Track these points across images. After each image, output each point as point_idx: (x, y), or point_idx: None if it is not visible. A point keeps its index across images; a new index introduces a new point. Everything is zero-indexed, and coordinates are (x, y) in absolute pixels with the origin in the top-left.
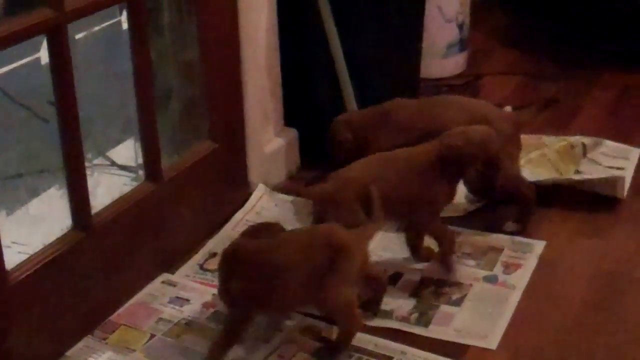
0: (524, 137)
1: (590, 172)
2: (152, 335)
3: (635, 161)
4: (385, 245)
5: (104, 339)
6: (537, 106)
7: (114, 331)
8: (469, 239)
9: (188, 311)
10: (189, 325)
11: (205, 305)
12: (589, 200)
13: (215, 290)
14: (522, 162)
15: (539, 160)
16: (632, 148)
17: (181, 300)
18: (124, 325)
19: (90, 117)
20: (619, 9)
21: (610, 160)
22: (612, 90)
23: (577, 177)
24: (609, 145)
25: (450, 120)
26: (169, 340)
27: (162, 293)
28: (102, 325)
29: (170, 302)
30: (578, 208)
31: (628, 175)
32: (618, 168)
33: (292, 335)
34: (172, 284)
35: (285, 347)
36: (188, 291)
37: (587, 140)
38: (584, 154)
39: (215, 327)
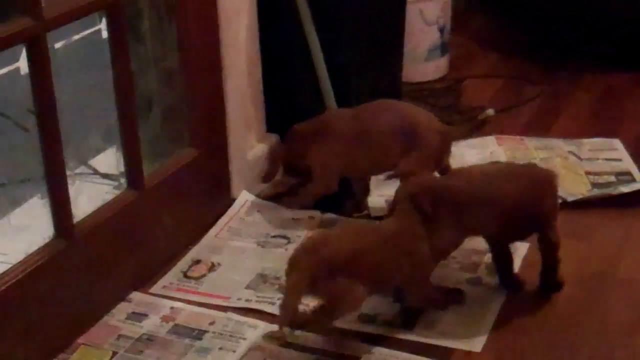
0: (505, 138)
1: (597, 169)
2: (115, 353)
3: (624, 149)
4: None
5: None
6: (472, 124)
7: (73, 352)
8: None
9: (148, 326)
10: (150, 339)
11: (164, 319)
12: (572, 201)
13: (198, 297)
14: None
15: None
16: (612, 139)
17: (138, 316)
18: (84, 344)
19: (71, 126)
20: (600, 11)
21: (603, 154)
22: (593, 91)
23: (606, 190)
24: (590, 142)
25: (383, 124)
26: (132, 356)
27: (118, 309)
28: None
29: (127, 318)
30: (560, 209)
31: (630, 163)
32: (616, 160)
33: (257, 342)
34: (127, 300)
35: (251, 355)
36: (143, 306)
37: (570, 147)
38: (580, 159)
39: (176, 340)
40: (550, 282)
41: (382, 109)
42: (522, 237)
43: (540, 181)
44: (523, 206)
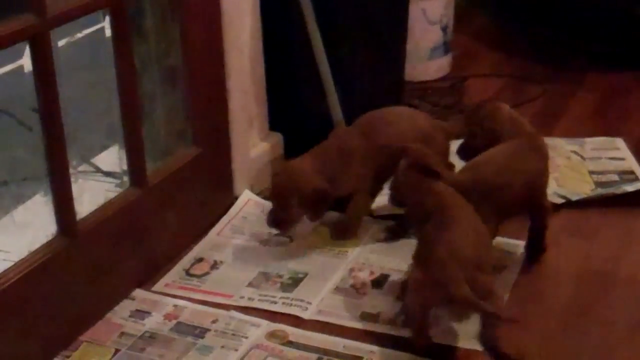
0: None
1: (600, 168)
2: (117, 350)
3: (627, 149)
4: (372, 249)
5: (67, 357)
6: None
7: (76, 349)
8: None
9: (150, 324)
10: (153, 337)
11: (167, 317)
12: (575, 201)
13: (200, 295)
14: None
15: (564, 176)
16: (614, 138)
17: (142, 313)
18: (86, 342)
19: (74, 124)
20: (603, 10)
21: (606, 153)
22: (596, 91)
23: (610, 189)
24: (593, 141)
25: (392, 138)
26: (134, 354)
27: (121, 307)
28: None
29: (130, 315)
30: (562, 208)
31: (633, 162)
32: (619, 159)
33: (259, 340)
34: (130, 298)
35: (253, 354)
36: (146, 304)
37: (573, 146)
38: (583, 158)
39: (179, 338)
40: (537, 246)
41: (386, 122)
42: (520, 211)
43: (540, 153)
44: (533, 181)
